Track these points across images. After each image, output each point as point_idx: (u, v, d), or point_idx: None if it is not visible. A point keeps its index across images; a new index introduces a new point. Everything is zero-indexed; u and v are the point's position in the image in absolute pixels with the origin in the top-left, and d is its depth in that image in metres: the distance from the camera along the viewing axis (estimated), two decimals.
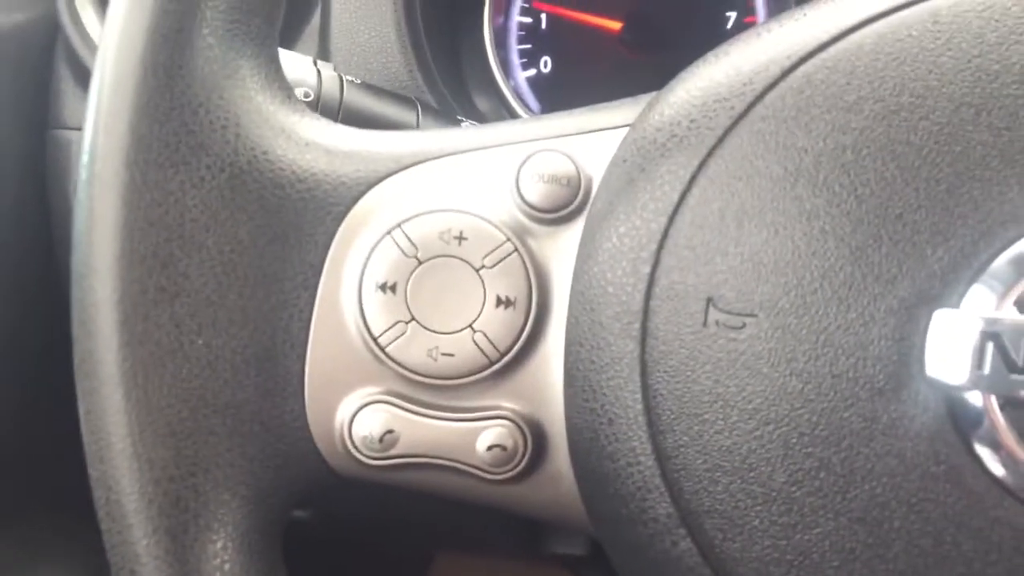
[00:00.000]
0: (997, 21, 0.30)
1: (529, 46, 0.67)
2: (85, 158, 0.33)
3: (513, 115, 0.66)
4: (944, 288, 0.29)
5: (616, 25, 0.66)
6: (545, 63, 0.67)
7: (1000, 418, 0.27)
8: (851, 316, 0.29)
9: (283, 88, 0.36)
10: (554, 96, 0.68)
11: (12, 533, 0.66)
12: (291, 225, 0.34)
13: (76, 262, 0.33)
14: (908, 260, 0.29)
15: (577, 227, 0.34)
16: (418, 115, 0.50)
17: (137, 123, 0.32)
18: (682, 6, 0.66)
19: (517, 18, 0.67)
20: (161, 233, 0.32)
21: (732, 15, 0.65)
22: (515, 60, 0.67)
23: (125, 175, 0.32)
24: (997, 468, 0.28)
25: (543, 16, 0.67)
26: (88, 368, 0.32)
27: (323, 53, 0.59)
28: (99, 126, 0.32)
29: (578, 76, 0.67)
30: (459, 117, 0.51)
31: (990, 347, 0.27)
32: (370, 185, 0.35)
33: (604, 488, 0.33)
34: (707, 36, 0.66)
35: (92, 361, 0.32)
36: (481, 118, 0.64)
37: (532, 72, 0.67)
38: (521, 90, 0.67)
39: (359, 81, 0.48)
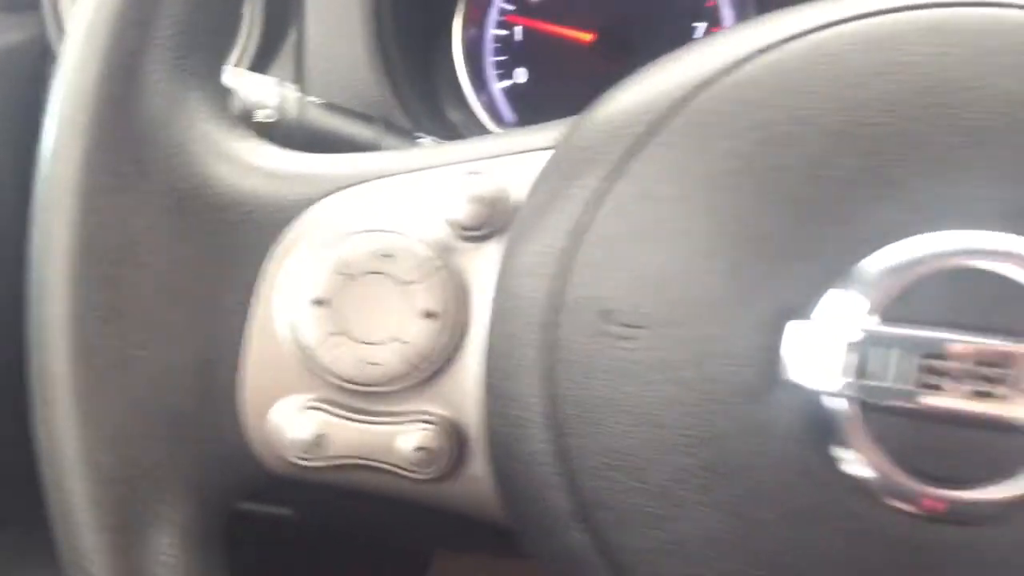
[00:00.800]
0: (870, 54, 0.32)
1: (505, 57, 0.69)
2: (41, 186, 0.35)
3: (483, 127, 0.68)
4: (806, 300, 0.31)
5: (588, 37, 0.68)
6: (520, 74, 0.69)
7: (854, 420, 0.30)
8: (725, 329, 0.31)
9: (229, 116, 0.38)
10: (529, 106, 0.69)
11: (7, 536, 0.68)
12: (229, 246, 0.36)
13: (31, 282, 0.36)
14: (774, 275, 0.31)
15: (501, 244, 0.36)
16: (379, 134, 0.52)
17: (88, 153, 0.35)
18: (652, 18, 0.67)
19: (492, 31, 0.69)
20: (109, 256, 0.35)
21: (701, 26, 0.67)
22: (490, 72, 0.70)
23: (76, 202, 0.35)
24: (851, 467, 0.30)
25: (517, 29, 0.69)
26: (42, 380, 0.35)
27: (298, 72, 0.62)
28: (53, 155, 0.35)
29: (553, 86, 0.69)
30: (416, 135, 0.54)
31: (845, 353, 0.29)
32: (306, 206, 0.37)
33: (516, 486, 0.35)
34: (677, 47, 0.67)
35: (46, 373, 0.35)
36: (453, 130, 0.66)
37: (507, 83, 0.69)
38: (497, 101, 0.70)
39: (320, 101, 0.51)
